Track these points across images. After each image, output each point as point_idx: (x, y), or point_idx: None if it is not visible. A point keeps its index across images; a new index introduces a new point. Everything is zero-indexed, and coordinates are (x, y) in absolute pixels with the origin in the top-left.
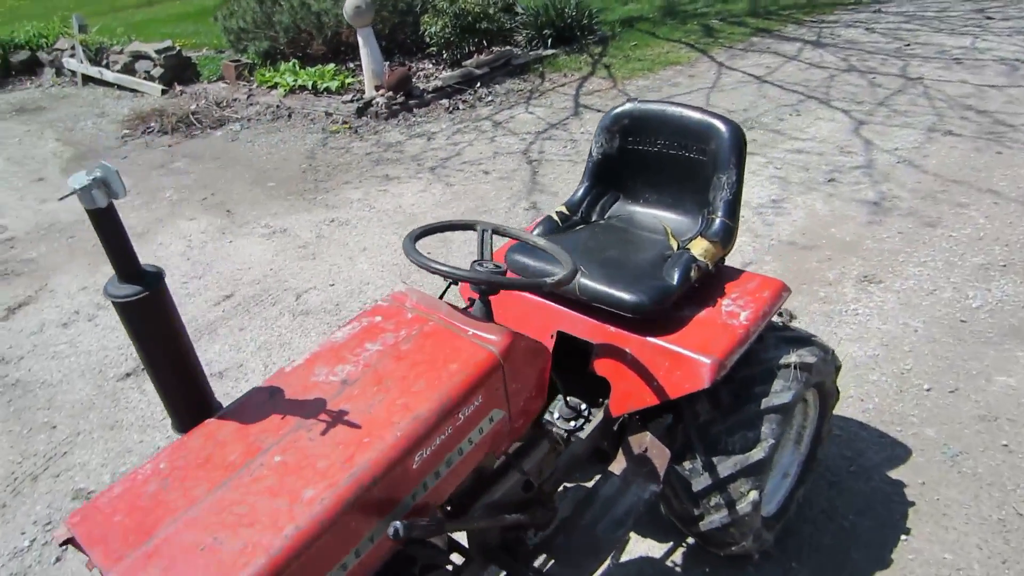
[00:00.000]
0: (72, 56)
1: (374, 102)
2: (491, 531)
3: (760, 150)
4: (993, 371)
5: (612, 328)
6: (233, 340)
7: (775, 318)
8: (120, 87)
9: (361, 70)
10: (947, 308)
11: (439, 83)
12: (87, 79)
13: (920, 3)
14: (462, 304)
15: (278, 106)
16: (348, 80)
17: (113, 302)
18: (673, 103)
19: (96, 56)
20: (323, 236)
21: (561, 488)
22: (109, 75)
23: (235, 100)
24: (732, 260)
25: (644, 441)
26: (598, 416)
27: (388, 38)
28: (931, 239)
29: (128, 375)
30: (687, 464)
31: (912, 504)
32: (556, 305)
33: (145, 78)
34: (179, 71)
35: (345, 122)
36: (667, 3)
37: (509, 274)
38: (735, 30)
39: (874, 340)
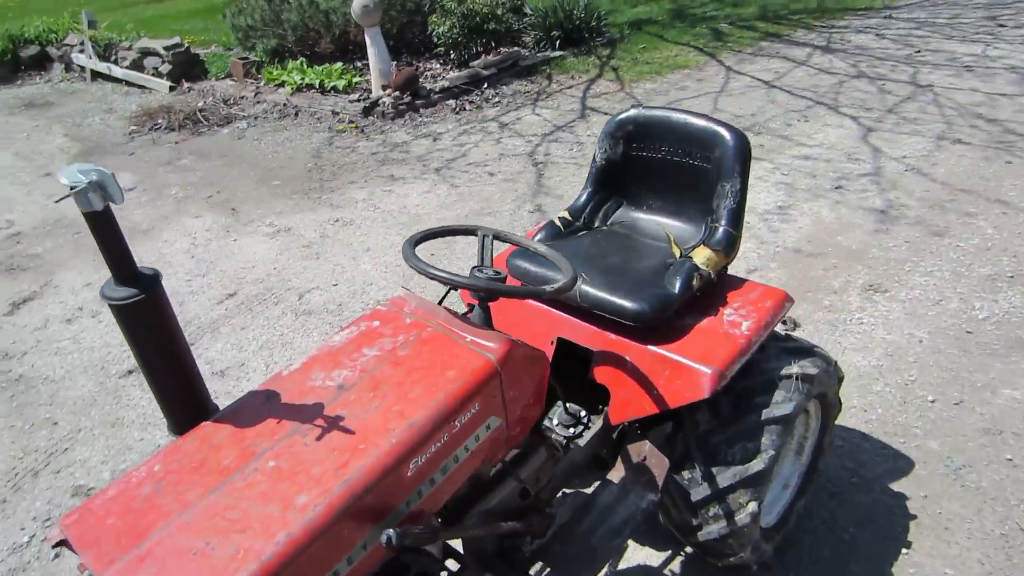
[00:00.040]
0: (81, 52)
1: (381, 102)
2: (487, 538)
3: (767, 156)
4: (999, 384)
5: (613, 336)
6: (235, 339)
7: (778, 328)
8: (128, 83)
9: (368, 69)
10: (953, 319)
11: (446, 83)
12: (96, 75)
13: (931, 10)
14: (463, 308)
15: (285, 104)
16: (355, 79)
17: (110, 304)
18: (678, 109)
19: (105, 52)
20: (327, 236)
21: (559, 495)
22: (118, 71)
23: (242, 98)
24: (736, 266)
25: (643, 450)
26: (597, 423)
27: (396, 38)
28: (938, 249)
29: (130, 372)
30: (686, 474)
31: (914, 517)
32: (557, 311)
33: (153, 74)
34: (187, 68)
35: (351, 121)
36: (676, 6)
37: (509, 280)
38: (744, 34)
39: (879, 350)
